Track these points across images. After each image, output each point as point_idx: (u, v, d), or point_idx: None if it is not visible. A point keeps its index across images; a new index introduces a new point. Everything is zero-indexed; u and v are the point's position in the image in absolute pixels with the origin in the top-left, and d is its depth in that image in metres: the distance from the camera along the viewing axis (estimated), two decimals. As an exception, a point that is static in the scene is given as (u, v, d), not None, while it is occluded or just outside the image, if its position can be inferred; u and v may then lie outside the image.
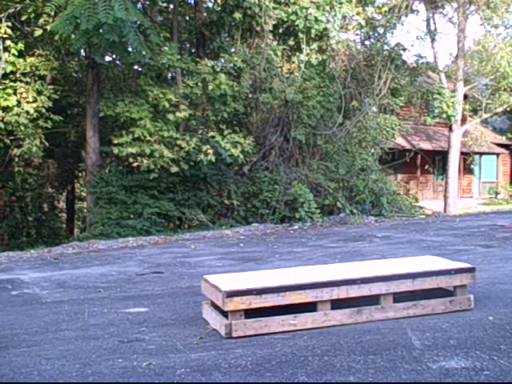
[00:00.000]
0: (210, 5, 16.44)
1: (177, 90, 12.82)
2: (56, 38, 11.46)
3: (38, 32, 11.85)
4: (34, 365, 3.61)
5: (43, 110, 12.13)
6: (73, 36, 11.12)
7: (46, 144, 12.59)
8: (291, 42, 15.63)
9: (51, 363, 3.61)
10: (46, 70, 12.44)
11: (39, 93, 12.17)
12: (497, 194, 32.19)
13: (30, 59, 12.29)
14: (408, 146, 27.46)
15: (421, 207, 18.68)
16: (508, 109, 25.81)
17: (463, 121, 25.99)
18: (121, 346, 3.96)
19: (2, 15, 11.92)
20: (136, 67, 14.12)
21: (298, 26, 14.72)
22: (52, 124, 12.58)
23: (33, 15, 12.04)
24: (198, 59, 13.88)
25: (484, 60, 25.17)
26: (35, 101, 11.97)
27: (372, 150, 18.24)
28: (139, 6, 14.45)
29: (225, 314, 4.04)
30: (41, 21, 12.07)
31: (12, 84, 11.93)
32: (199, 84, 13.24)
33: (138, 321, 4.67)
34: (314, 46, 15.33)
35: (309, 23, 14.69)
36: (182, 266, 7.59)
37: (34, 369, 3.52)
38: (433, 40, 22.98)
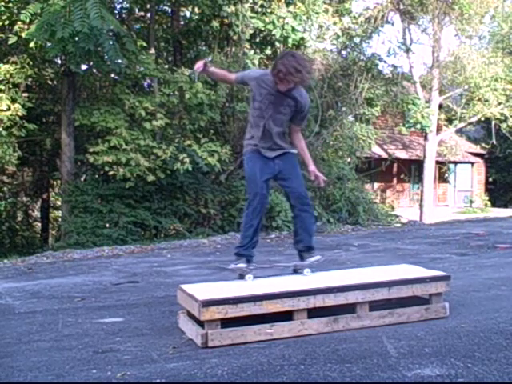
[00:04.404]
0: (188, 14, 16.45)
1: (153, 99, 12.78)
2: (31, 45, 11.36)
3: (13, 39, 11.73)
4: (6, 377, 3.54)
5: (17, 119, 12.00)
6: (48, 44, 11.04)
7: (20, 153, 12.44)
8: (268, 51, 15.68)
9: (24, 375, 3.55)
10: (20, 77, 12.32)
11: (13, 101, 12.04)
12: (472, 202, 32.55)
13: (4, 66, 12.16)
14: (384, 155, 27.70)
15: (397, 216, 18.81)
16: (482, 118, 26.16)
17: (438, 130, 26.30)
18: (95, 356, 3.91)
19: (-25, 22, 11.81)
20: (112, 75, 14.06)
21: (274, 35, 14.79)
22: (26, 132, 12.45)
23: (7, 22, 11.93)
24: (175, 68, 13.85)
25: (458, 70, 25.53)
26: (9, 109, 11.84)
27: (348, 159, 18.35)
28: (116, 14, 14.39)
29: (201, 323, 4.01)
30: (16, 28, 11.96)
31: (-15, 92, 11.81)
32: (176, 92, 13.22)
33: (112, 331, 4.62)
34: (291, 55, 15.39)
35: (286, 33, 14.77)
36: (158, 276, 7.53)
37: (5, 380, 3.46)
38: (408, 51, 23.23)
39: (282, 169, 4.81)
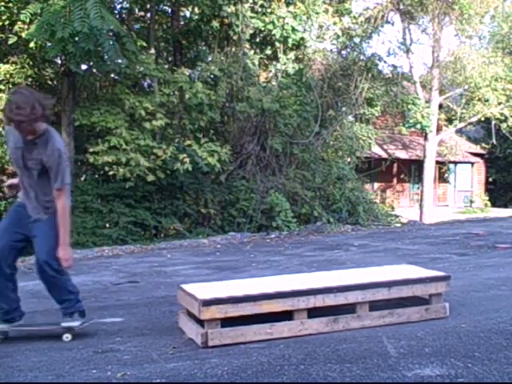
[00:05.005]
0: (188, 14, 16.44)
1: (153, 99, 12.77)
2: (31, 45, 11.35)
3: (13, 39, 11.72)
4: (6, 377, 3.54)
5: (17, 118, 11.99)
6: (48, 44, 11.03)
7: (20, 153, 12.43)
8: (268, 51, 15.69)
9: (24, 375, 3.55)
10: (20, 77, 12.31)
11: (13, 101, 12.02)
12: (472, 202, 32.51)
13: (4, 66, 12.16)
14: (384, 155, 27.68)
15: (397, 216, 18.79)
16: (482, 118, 26.14)
17: (438, 130, 26.27)
18: (95, 356, 3.91)
19: (-25, 22, 11.81)
20: (112, 75, 14.05)
21: (274, 35, 14.80)
22: (26, 132, 12.43)
23: (7, 22, 11.92)
24: (175, 68, 13.85)
25: (458, 70, 25.51)
26: (9, 109, 11.82)
27: (348, 159, 18.35)
28: (116, 14, 14.38)
29: (201, 322, 4.01)
30: (16, 28, 11.95)
31: (-15, 92, 11.81)
32: (176, 92, 13.22)
33: (113, 331, 4.62)
34: (291, 55, 15.42)
35: (286, 33, 14.78)
36: (158, 276, 7.53)
37: (5, 380, 3.46)
38: (408, 51, 23.22)
39: (33, 227, 4.35)
